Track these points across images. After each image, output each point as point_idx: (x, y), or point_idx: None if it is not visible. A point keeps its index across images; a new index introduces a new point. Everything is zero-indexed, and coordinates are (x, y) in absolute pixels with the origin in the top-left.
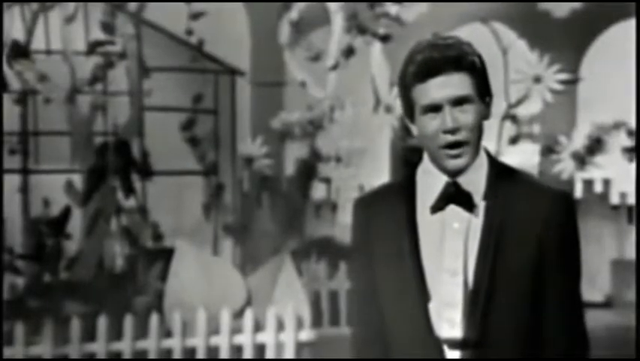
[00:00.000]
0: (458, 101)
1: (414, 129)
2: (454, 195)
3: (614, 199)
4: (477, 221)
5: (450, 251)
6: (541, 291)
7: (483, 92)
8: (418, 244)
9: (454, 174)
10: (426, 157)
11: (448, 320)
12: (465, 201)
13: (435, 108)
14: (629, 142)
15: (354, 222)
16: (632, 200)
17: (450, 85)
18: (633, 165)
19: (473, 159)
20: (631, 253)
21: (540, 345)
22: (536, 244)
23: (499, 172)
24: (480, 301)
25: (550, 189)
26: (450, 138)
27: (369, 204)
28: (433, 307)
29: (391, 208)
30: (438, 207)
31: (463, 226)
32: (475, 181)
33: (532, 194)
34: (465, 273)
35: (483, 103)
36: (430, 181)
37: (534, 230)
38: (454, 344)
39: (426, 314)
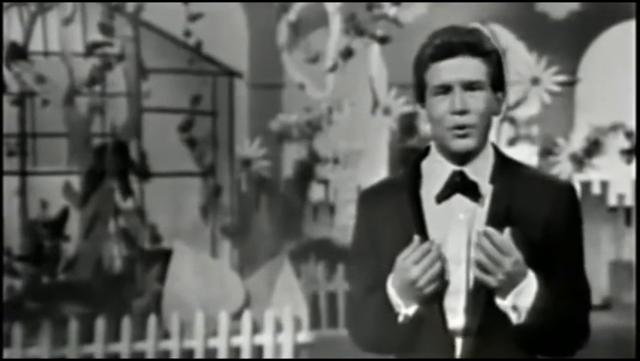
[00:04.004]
0: (469, 86)
1: (423, 115)
2: (460, 184)
3: (612, 201)
4: (482, 211)
5: (454, 241)
6: (545, 279)
7: (496, 84)
8: (425, 232)
9: (460, 159)
10: (433, 149)
11: (451, 308)
12: (470, 190)
13: (446, 90)
14: (627, 144)
15: (359, 214)
16: (629, 202)
17: (463, 68)
18: (631, 167)
19: (480, 145)
20: (628, 255)
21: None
22: (542, 231)
23: (505, 163)
24: (484, 289)
25: (554, 179)
26: (458, 119)
27: (374, 196)
28: None
29: (397, 199)
30: (443, 196)
31: (468, 216)
32: (481, 170)
33: (537, 183)
34: (467, 262)
35: (494, 95)
36: (436, 171)
37: (540, 217)
38: (456, 332)
39: (439, 302)
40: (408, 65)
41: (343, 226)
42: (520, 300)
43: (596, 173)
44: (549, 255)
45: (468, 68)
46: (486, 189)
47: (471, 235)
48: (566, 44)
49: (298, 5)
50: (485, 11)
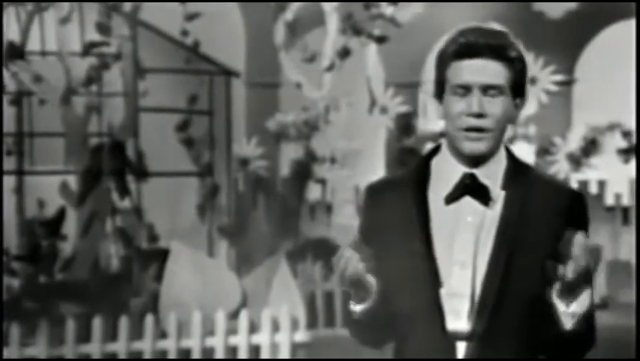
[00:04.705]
0: (489, 89)
1: (438, 111)
2: (470, 187)
3: (609, 200)
4: (491, 214)
5: (461, 244)
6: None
7: (516, 90)
8: (429, 232)
9: (471, 162)
10: (444, 147)
11: (454, 311)
12: (481, 193)
13: (464, 90)
14: (624, 143)
15: (364, 207)
16: (626, 201)
17: (485, 70)
18: (628, 167)
19: (492, 150)
20: (626, 254)
21: (547, 340)
22: (553, 238)
23: (518, 167)
24: (492, 295)
25: (567, 187)
26: (473, 121)
27: (380, 189)
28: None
29: (403, 195)
30: (453, 197)
31: (477, 219)
32: (493, 174)
33: (550, 191)
34: (474, 265)
35: (513, 101)
36: (446, 171)
37: (551, 226)
38: (457, 335)
39: (437, 303)
40: (405, 65)
41: (340, 226)
42: (579, 307)
43: (593, 172)
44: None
45: (490, 71)
46: (497, 193)
47: (479, 239)
48: (563, 44)
49: (295, 5)
50: (482, 10)
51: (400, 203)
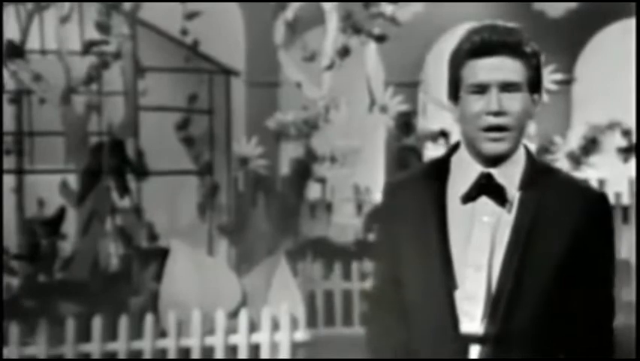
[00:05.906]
0: (507, 87)
1: (453, 111)
2: (486, 187)
3: (609, 199)
4: (508, 217)
5: (476, 245)
6: (570, 290)
7: (533, 86)
8: (445, 231)
9: (489, 162)
10: (462, 146)
11: (468, 313)
12: (497, 194)
13: (482, 89)
14: (624, 142)
15: (382, 205)
16: (626, 200)
17: (502, 68)
18: (628, 165)
19: (512, 150)
20: (625, 253)
21: (560, 343)
22: (568, 244)
23: (537, 167)
24: (504, 297)
25: (586, 188)
26: (493, 120)
27: (399, 187)
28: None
29: (421, 193)
30: (469, 197)
31: (493, 220)
32: (510, 175)
33: (568, 192)
34: (489, 268)
35: (531, 97)
36: (463, 170)
37: (568, 229)
38: (471, 338)
39: (451, 304)
40: (405, 64)
41: (340, 225)
42: None
43: (593, 171)
44: (573, 270)
45: (507, 68)
46: (513, 194)
47: (495, 240)
48: (563, 43)
49: (295, 4)
50: (481, 9)
51: (418, 202)
